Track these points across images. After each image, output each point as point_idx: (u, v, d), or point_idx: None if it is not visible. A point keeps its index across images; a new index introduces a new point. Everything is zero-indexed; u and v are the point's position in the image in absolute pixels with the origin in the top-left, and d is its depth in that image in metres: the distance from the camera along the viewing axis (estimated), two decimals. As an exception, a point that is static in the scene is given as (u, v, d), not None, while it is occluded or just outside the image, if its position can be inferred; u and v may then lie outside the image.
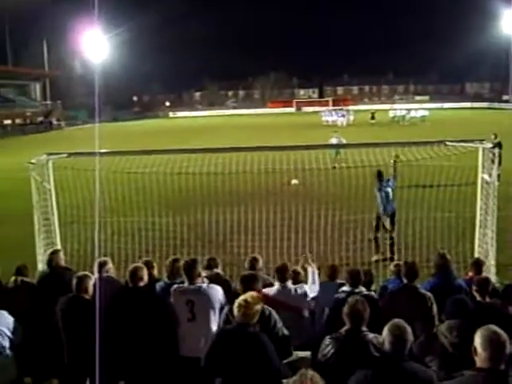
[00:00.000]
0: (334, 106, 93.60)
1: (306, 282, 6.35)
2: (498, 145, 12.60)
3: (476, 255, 8.25)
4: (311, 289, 6.02)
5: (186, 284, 5.39)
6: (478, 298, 5.37)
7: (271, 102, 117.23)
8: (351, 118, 57.18)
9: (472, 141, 8.44)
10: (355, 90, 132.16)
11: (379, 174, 11.19)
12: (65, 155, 8.84)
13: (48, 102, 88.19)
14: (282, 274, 5.81)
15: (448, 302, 4.84)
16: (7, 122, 71.95)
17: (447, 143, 8.86)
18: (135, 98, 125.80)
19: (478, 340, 3.54)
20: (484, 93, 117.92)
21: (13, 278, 6.21)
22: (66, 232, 10.01)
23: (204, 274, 5.82)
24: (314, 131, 45.43)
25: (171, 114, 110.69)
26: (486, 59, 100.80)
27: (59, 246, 8.46)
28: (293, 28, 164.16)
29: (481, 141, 8.35)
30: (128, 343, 5.26)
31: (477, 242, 8.58)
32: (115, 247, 10.31)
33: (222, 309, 5.33)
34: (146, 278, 5.56)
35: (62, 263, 6.84)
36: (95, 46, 76.82)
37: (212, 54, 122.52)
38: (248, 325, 4.47)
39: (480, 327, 3.62)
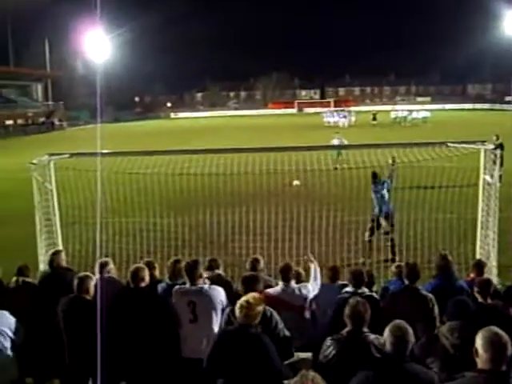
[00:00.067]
0: (335, 106, 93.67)
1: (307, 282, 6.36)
2: (500, 146, 12.63)
3: (477, 256, 8.24)
4: (313, 285, 6.03)
5: (187, 285, 5.39)
6: (480, 299, 5.37)
7: (272, 102, 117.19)
8: (353, 119, 57.18)
9: (474, 142, 8.43)
10: (357, 90, 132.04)
11: (374, 176, 11.20)
12: (66, 156, 8.86)
13: (50, 103, 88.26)
14: (285, 273, 5.83)
15: (449, 303, 4.84)
16: (9, 122, 72.02)
17: (449, 144, 8.86)
18: (137, 99, 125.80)
19: (479, 341, 3.54)
20: (486, 94, 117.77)
21: (14, 279, 6.22)
22: (67, 232, 10.03)
23: (205, 274, 5.82)
24: (315, 132, 45.45)
25: (173, 115, 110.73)
26: (488, 60, 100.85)
27: (61, 247, 8.48)
28: (294, 29, 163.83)
29: (482, 142, 8.34)
30: (129, 344, 5.27)
31: (478, 243, 8.57)
32: (117, 248, 10.31)
33: (223, 310, 5.33)
34: (147, 278, 5.56)
35: (64, 264, 6.85)
36: (97, 46, 76.66)
37: (214, 55, 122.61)
38: (250, 326, 4.48)
39: (481, 329, 3.62)
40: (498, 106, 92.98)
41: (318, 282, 6.22)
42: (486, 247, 8.31)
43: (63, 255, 6.95)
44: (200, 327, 5.21)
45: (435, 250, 9.28)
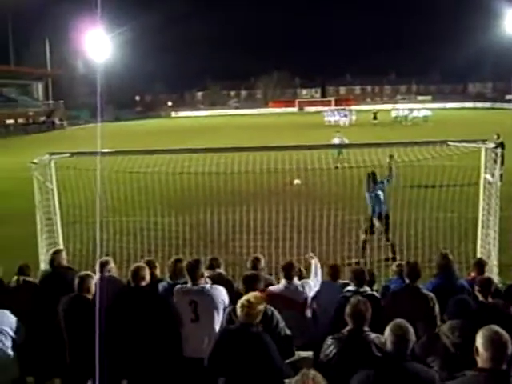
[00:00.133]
0: (336, 105, 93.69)
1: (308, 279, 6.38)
2: (501, 145, 12.63)
3: (478, 255, 8.24)
4: (313, 281, 6.05)
5: (189, 284, 5.39)
6: (481, 298, 5.37)
7: (273, 101, 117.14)
8: (353, 117, 57.17)
9: (474, 141, 8.43)
10: (357, 89, 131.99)
11: (373, 175, 11.12)
12: (67, 155, 8.86)
13: (50, 102, 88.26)
14: (288, 271, 5.87)
15: (450, 302, 4.84)
16: (9, 121, 72.06)
17: (449, 143, 8.86)
18: (137, 98, 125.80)
19: (479, 340, 3.54)
20: (486, 93, 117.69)
21: (15, 278, 6.22)
22: (68, 232, 10.02)
23: (206, 274, 5.82)
24: (316, 131, 45.43)
25: (173, 114, 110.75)
26: (489, 59, 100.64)
27: (61, 246, 8.48)
28: (295, 28, 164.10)
29: (483, 141, 8.34)
30: (130, 343, 5.27)
31: (479, 242, 8.57)
32: (117, 247, 10.31)
33: (225, 309, 5.33)
34: (148, 277, 5.56)
35: (65, 263, 6.86)
36: (97, 45, 76.63)
37: (214, 54, 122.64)
38: (251, 325, 4.49)
39: (482, 327, 3.62)
40: (498, 105, 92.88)
41: (319, 277, 6.24)
42: (487, 246, 8.31)
43: (64, 254, 6.96)
44: (202, 327, 5.21)
45: (436, 248, 9.29)
